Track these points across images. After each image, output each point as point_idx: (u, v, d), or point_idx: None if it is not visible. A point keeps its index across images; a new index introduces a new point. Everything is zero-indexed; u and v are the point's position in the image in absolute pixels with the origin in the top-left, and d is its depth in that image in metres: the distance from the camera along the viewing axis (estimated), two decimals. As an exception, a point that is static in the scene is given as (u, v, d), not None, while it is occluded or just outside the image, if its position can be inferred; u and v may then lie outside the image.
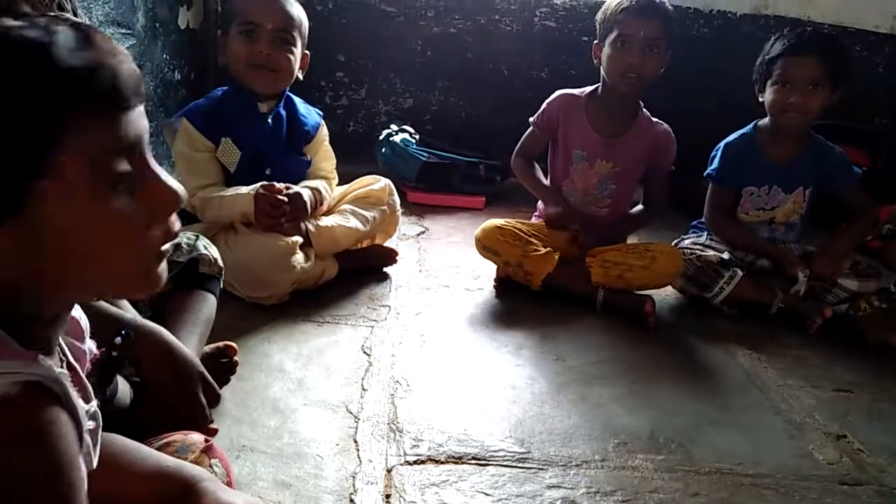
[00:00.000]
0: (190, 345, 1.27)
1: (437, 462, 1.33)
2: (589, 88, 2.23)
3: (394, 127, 3.16)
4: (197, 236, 1.54)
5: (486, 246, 2.15)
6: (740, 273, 2.16)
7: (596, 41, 2.17)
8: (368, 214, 2.12)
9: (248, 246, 1.84)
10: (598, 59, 2.16)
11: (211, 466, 0.92)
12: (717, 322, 2.13)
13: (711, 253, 2.20)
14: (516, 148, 2.33)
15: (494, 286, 2.19)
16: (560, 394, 1.63)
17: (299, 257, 1.89)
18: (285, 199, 1.89)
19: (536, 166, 2.33)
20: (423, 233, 2.72)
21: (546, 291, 2.11)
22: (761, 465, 1.42)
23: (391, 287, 2.12)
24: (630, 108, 2.20)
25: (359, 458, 1.32)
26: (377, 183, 2.22)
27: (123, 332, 1.07)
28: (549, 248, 2.11)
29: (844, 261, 2.16)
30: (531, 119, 2.29)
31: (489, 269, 2.24)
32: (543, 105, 2.27)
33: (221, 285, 1.55)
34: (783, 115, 2.17)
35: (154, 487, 0.81)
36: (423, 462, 1.33)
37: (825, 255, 2.17)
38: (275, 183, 1.92)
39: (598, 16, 2.15)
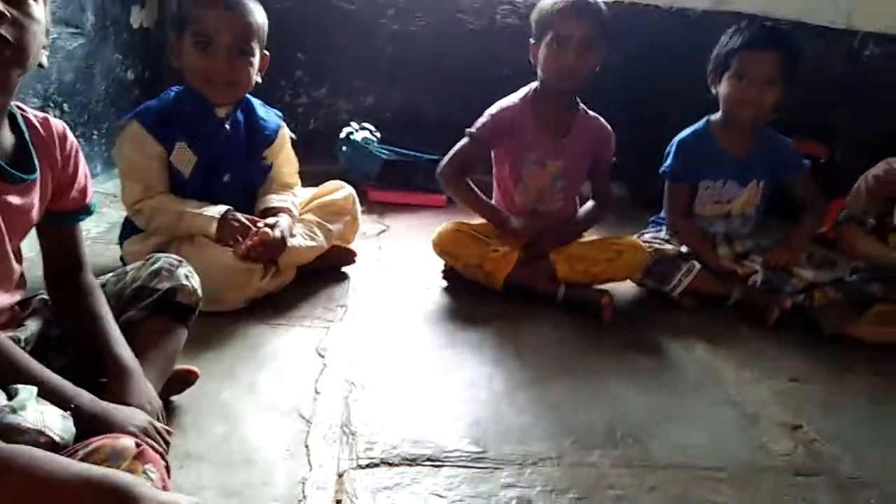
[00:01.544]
0: (151, 379, 1.22)
1: (391, 465, 1.31)
2: (523, 92, 2.18)
3: (354, 125, 3.13)
4: (180, 262, 1.40)
5: (444, 249, 2.13)
6: (698, 266, 2.17)
7: (532, 41, 2.14)
8: (334, 228, 2.10)
9: (204, 259, 1.68)
10: (534, 58, 2.13)
11: (145, 472, 0.88)
12: (676, 315, 2.14)
13: (670, 247, 2.21)
14: (447, 162, 2.16)
15: (443, 276, 2.18)
16: (518, 392, 1.61)
17: (257, 277, 1.85)
18: (256, 236, 1.83)
19: (471, 184, 2.21)
20: (383, 231, 2.70)
21: (506, 290, 2.09)
22: (717, 458, 1.42)
23: (349, 287, 2.09)
24: (569, 104, 2.19)
25: (309, 463, 1.29)
26: (341, 191, 2.19)
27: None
28: (507, 248, 2.10)
29: (798, 252, 2.18)
30: (472, 131, 2.15)
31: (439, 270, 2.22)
32: (486, 118, 2.15)
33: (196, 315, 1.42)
34: (739, 109, 2.18)
35: (85, 498, 0.77)
36: (376, 465, 1.30)
37: (779, 246, 2.20)
38: (244, 222, 1.87)
39: (533, 16, 2.11)
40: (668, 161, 2.30)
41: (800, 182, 2.30)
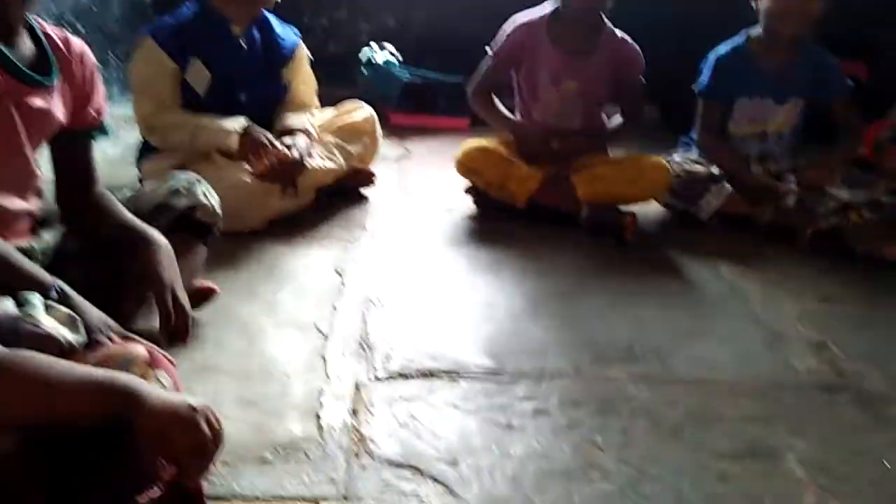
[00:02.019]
0: None
1: (408, 377, 1.31)
2: (547, 9, 2.10)
3: (375, 46, 3.04)
4: (198, 180, 1.38)
5: (468, 167, 2.09)
6: (729, 187, 2.10)
7: None
8: (353, 149, 2.06)
9: (222, 179, 1.67)
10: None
11: (157, 378, 0.88)
12: (703, 237, 2.08)
13: (700, 167, 2.14)
14: (474, 82, 2.17)
15: (466, 192, 2.16)
16: (538, 309, 1.60)
17: (275, 197, 1.83)
18: (274, 156, 1.81)
19: (496, 99, 2.19)
20: (404, 155, 2.65)
21: (530, 211, 2.06)
22: (739, 374, 1.40)
23: (368, 209, 2.07)
24: (593, 25, 2.09)
25: (326, 375, 1.29)
26: (360, 111, 2.14)
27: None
28: (531, 168, 2.05)
29: (833, 172, 2.10)
30: (491, 50, 2.14)
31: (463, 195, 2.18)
32: (503, 36, 2.12)
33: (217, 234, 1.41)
34: (781, 22, 2.06)
35: (91, 400, 0.77)
36: (393, 378, 1.30)
37: (814, 166, 2.12)
38: (264, 139, 1.84)
39: None
40: (703, 78, 2.20)
41: (841, 104, 2.19)
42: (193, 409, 0.77)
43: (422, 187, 2.29)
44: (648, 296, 1.69)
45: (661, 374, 1.38)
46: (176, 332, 1.13)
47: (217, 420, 0.79)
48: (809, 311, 1.68)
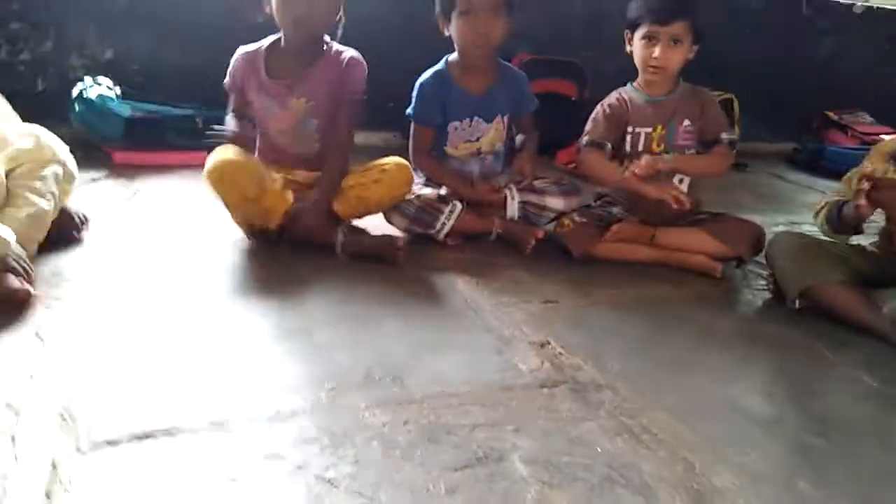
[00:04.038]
0: None
1: (117, 444, 1.17)
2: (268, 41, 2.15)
3: (88, 80, 2.78)
4: None
5: (221, 178, 1.94)
6: (459, 206, 2.21)
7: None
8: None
9: None
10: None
11: None
12: (441, 254, 2.16)
13: (429, 191, 2.23)
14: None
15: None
16: (277, 345, 1.53)
17: None
18: None
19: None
20: (133, 196, 2.44)
21: (280, 236, 2.03)
22: (470, 384, 1.44)
23: (79, 260, 1.86)
24: (312, 49, 2.13)
25: (15, 457, 1.11)
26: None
27: None
28: (281, 183, 2.05)
29: (532, 161, 2.36)
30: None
31: (206, 230, 2.07)
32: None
33: None
34: (471, 45, 2.20)
35: None
36: (98, 448, 1.15)
37: (518, 160, 2.36)
38: None
39: None
40: (412, 104, 2.30)
41: (526, 119, 2.42)
42: None
43: (151, 231, 2.12)
44: (390, 317, 1.71)
45: (397, 396, 1.38)
46: None
47: None
48: (533, 314, 1.80)
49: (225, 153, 1.97)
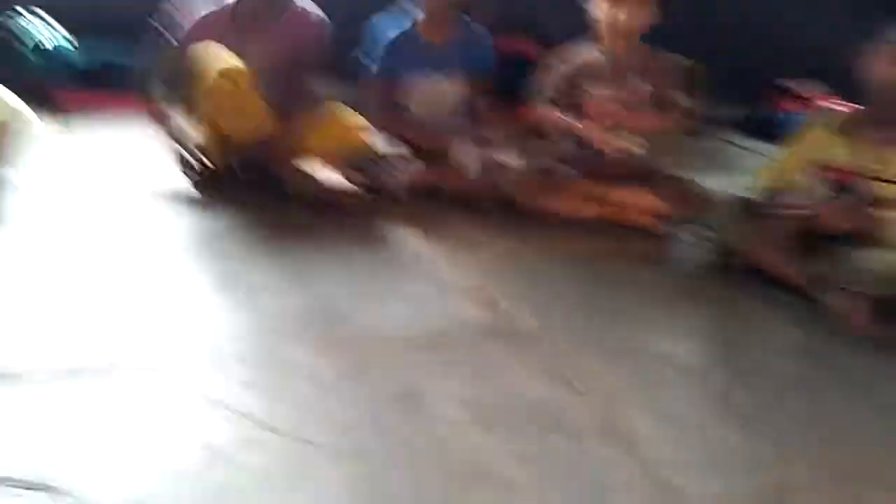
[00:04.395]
0: None
1: (42, 380, 1.16)
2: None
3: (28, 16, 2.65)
4: None
5: (234, 81, 1.91)
6: (415, 160, 2.22)
7: None
8: None
9: None
10: None
11: None
12: (395, 209, 2.16)
13: (384, 143, 2.22)
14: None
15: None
16: (219, 294, 1.54)
17: None
18: None
19: None
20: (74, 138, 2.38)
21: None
22: (413, 329, 1.47)
23: (14, 201, 1.83)
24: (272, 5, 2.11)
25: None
26: None
27: None
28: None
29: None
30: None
31: (150, 177, 2.05)
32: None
33: None
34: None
35: None
36: (19, 381, 1.15)
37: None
38: None
39: None
40: (373, 57, 2.29)
41: (481, 80, 2.42)
42: None
43: (89, 173, 2.09)
44: (335, 264, 1.72)
45: (335, 339, 1.39)
46: None
47: None
48: (481, 267, 1.83)
49: (230, 59, 1.94)
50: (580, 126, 2.15)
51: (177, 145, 2.10)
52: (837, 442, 1.24)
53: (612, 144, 2.12)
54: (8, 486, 0.93)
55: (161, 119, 2.10)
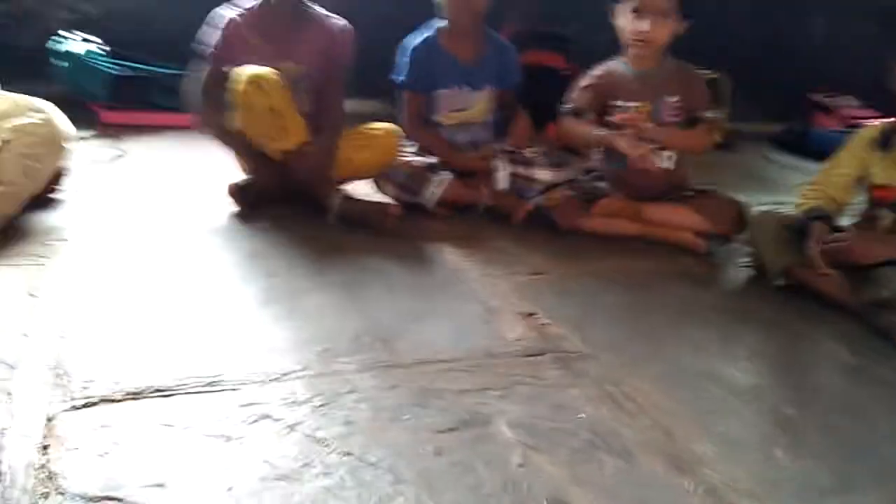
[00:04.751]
0: None
1: (112, 402, 1.19)
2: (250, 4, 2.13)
3: (75, 35, 2.73)
4: None
5: (260, 85, 1.94)
6: (449, 175, 2.22)
7: None
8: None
9: None
10: None
11: None
12: (430, 224, 2.18)
13: (420, 159, 2.24)
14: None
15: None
16: (265, 310, 1.55)
17: None
18: None
19: None
20: (119, 157, 2.43)
21: (283, 176, 2.05)
22: (459, 351, 1.47)
23: (71, 219, 1.86)
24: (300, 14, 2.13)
25: (11, 412, 1.13)
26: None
27: None
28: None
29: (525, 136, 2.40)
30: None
31: (190, 194, 2.06)
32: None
33: None
34: (458, 12, 2.23)
35: None
36: (94, 404, 1.17)
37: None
38: None
39: None
40: (402, 70, 2.30)
41: (508, 93, 2.43)
42: None
43: (139, 191, 2.11)
44: (377, 285, 1.73)
45: (386, 361, 1.40)
46: None
47: None
48: (521, 285, 1.83)
49: (259, 67, 1.97)
50: (610, 136, 2.14)
51: (230, 154, 2.13)
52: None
53: (645, 156, 2.11)
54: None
55: (211, 133, 2.13)
